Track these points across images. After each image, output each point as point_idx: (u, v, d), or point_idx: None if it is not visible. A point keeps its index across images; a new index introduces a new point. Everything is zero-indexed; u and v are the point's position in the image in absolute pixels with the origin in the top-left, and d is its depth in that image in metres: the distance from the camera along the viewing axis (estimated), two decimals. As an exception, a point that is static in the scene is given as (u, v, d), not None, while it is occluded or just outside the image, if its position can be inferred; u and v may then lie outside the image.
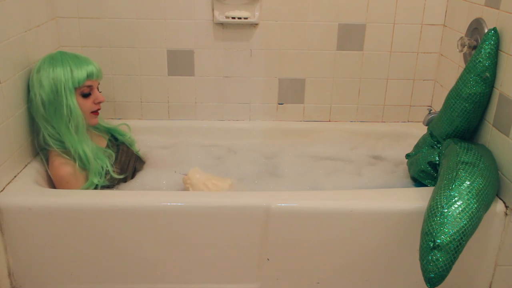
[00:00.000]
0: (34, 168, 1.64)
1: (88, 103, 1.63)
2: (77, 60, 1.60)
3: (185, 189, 1.63)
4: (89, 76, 1.59)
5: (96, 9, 1.98)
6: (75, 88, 1.58)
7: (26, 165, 1.65)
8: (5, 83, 1.51)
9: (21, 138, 1.62)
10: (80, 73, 1.57)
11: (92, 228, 1.48)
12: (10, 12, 1.55)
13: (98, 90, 1.68)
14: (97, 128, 1.78)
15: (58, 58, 1.59)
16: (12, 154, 1.57)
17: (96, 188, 1.63)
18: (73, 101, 1.57)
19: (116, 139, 1.84)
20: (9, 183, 1.54)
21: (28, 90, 1.64)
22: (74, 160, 1.60)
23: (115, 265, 1.54)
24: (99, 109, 1.67)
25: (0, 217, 1.46)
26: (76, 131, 1.59)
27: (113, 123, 1.91)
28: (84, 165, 1.61)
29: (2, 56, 1.49)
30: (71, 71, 1.56)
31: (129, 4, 1.99)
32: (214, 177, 1.64)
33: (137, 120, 2.15)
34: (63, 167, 1.59)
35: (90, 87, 1.61)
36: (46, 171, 1.65)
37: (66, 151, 1.61)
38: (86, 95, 1.61)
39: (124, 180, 1.76)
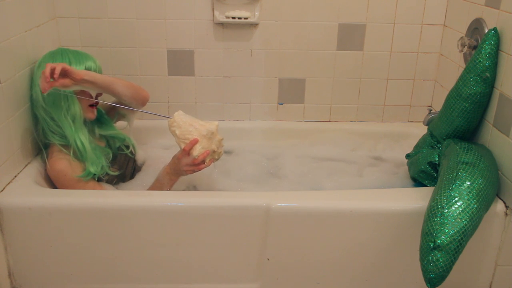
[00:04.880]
0: (34, 168, 1.64)
1: (86, 96, 1.63)
2: (77, 54, 1.63)
3: (171, 132, 1.60)
4: (88, 69, 1.61)
5: (96, 9, 1.98)
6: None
7: (26, 165, 1.65)
8: (5, 83, 1.51)
9: (21, 138, 1.62)
10: (78, 66, 1.59)
11: (92, 228, 1.48)
12: (10, 12, 1.55)
13: None
14: (95, 134, 1.78)
15: (58, 53, 1.62)
16: (12, 154, 1.57)
17: (93, 178, 1.64)
18: (71, 91, 1.58)
19: (114, 143, 1.83)
20: (9, 183, 1.55)
21: (29, 89, 1.65)
22: (72, 150, 1.61)
23: (115, 265, 1.54)
24: (97, 103, 1.67)
25: (0, 217, 1.46)
26: (73, 121, 1.61)
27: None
28: (81, 155, 1.62)
29: (2, 56, 1.49)
30: (70, 63, 1.58)
31: (129, 4, 1.99)
32: (199, 120, 1.62)
33: (137, 120, 2.14)
34: (59, 161, 1.60)
35: None
36: (46, 171, 1.65)
37: (64, 145, 1.62)
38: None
39: (123, 180, 1.76)
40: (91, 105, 1.65)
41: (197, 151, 1.55)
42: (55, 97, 1.58)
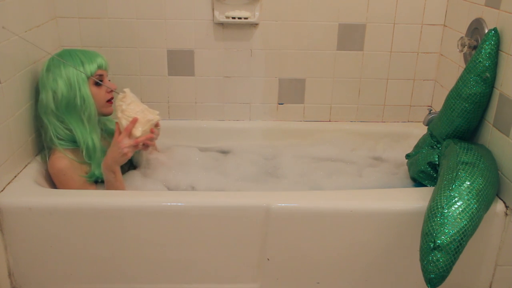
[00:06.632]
0: (34, 168, 1.65)
1: (102, 92, 1.66)
2: (85, 53, 1.65)
3: (117, 106, 1.62)
4: (100, 66, 1.64)
5: (96, 9, 1.98)
6: (88, 78, 1.62)
7: (26, 165, 1.65)
8: (5, 83, 1.51)
9: (21, 138, 1.62)
10: (91, 64, 1.62)
11: (92, 228, 1.48)
12: (10, 12, 1.55)
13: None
14: (107, 131, 1.79)
15: (66, 54, 1.63)
16: (12, 154, 1.57)
17: (96, 181, 1.65)
18: (87, 91, 1.61)
19: None
20: (9, 183, 1.54)
21: (29, 89, 1.65)
22: (81, 151, 1.62)
23: (115, 265, 1.54)
24: (112, 98, 1.71)
25: (0, 217, 1.46)
26: (88, 121, 1.63)
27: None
28: (90, 156, 1.63)
29: (2, 56, 1.49)
30: (82, 63, 1.61)
31: (129, 4, 1.98)
32: (143, 104, 1.67)
33: (137, 120, 2.15)
34: (59, 160, 1.61)
35: (101, 76, 1.66)
36: (46, 171, 1.65)
37: (68, 149, 1.62)
38: (98, 84, 1.65)
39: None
40: (108, 100, 1.68)
41: (139, 131, 1.59)
42: (69, 100, 1.59)
